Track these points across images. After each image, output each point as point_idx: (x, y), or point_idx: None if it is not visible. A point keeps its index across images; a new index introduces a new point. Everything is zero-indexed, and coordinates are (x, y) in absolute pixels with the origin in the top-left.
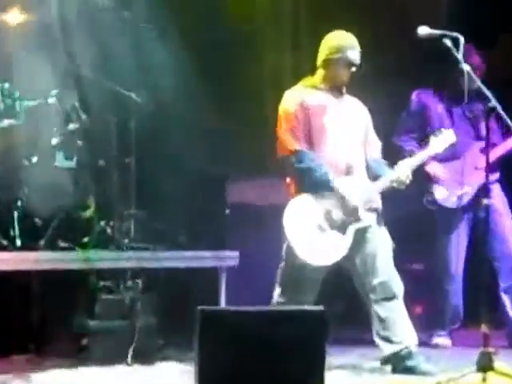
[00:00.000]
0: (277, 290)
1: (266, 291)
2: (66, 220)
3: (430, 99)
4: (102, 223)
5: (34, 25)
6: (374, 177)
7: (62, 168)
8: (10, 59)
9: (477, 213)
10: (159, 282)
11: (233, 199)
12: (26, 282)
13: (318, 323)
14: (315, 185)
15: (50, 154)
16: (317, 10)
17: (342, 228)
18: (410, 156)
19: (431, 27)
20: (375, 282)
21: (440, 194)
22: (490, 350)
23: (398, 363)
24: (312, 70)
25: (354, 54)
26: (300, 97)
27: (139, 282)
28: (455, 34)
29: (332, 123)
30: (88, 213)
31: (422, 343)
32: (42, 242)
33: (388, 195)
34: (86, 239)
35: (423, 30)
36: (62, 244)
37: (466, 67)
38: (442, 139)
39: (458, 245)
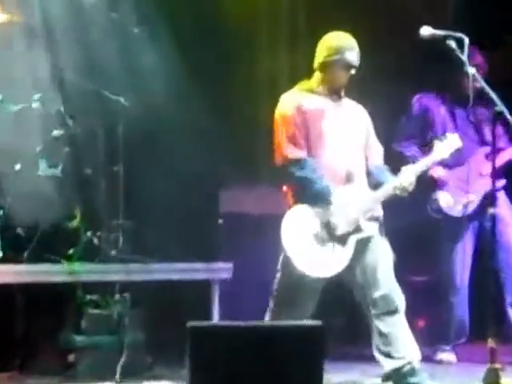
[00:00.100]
0: (272, 304)
1: (261, 305)
2: (51, 231)
3: (432, 102)
4: (89, 234)
5: (16, 26)
6: (376, 184)
7: (45, 176)
8: None
9: (482, 222)
10: (148, 296)
11: (226, 208)
12: (8, 295)
13: (316, 339)
14: (314, 197)
15: (33, 162)
16: (314, 11)
17: (342, 239)
18: (414, 162)
19: (433, 27)
20: (376, 294)
21: (445, 201)
22: (497, 366)
23: (400, 380)
24: (309, 73)
25: (353, 56)
26: (297, 101)
27: (127, 295)
28: (459, 35)
29: (331, 128)
30: (74, 223)
31: (426, 359)
32: (25, 254)
33: (388, 203)
34: (71, 251)
35: (426, 31)
36: (47, 256)
37: (471, 70)
38: (448, 144)
39: (463, 255)
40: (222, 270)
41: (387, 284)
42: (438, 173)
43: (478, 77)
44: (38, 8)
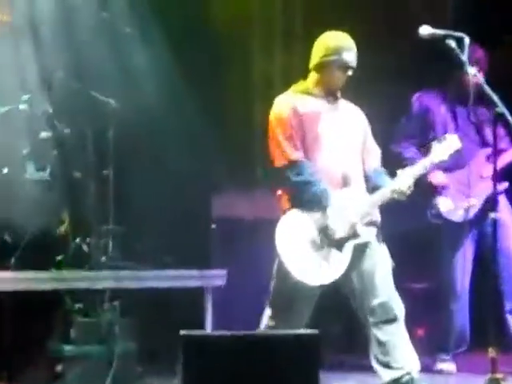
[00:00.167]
0: (267, 312)
1: (256, 313)
2: (39, 236)
3: (433, 101)
4: (78, 240)
5: (4, 26)
6: (374, 187)
7: (33, 180)
8: None
9: (483, 226)
10: (139, 304)
11: (220, 212)
12: None
13: (312, 348)
14: (311, 201)
15: (20, 165)
16: (309, 10)
17: (339, 244)
18: (412, 164)
19: (432, 27)
20: (374, 302)
21: (445, 206)
22: (498, 376)
23: None
24: (304, 74)
25: (351, 56)
26: (292, 103)
27: (117, 303)
28: (459, 34)
29: (327, 131)
30: (62, 229)
31: (425, 369)
32: (12, 261)
33: (387, 208)
34: (60, 257)
35: (425, 30)
36: (34, 262)
37: (471, 70)
38: (447, 146)
39: (463, 260)
40: (216, 276)
41: (386, 291)
42: (438, 179)
43: (479, 77)
44: (27, 8)
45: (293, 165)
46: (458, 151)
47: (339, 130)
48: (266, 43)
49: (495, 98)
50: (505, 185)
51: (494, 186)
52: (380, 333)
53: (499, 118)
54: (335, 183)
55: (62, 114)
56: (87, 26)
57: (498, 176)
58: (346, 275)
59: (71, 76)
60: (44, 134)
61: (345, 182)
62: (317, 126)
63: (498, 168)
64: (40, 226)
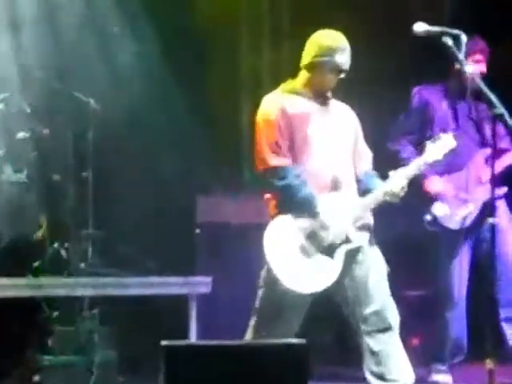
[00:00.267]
0: (254, 321)
1: (242, 322)
2: (15, 241)
3: (433, 96)
4: (56, 245)
5: None
6: (365, 190)
7: (10, 182)
8: None
9: (480, 233)
10: (120, 312)
11: (205, 217)
12: None
13: (300, 358)
14: (297, 205)
15: None
16: (299, 9)
17: (330, 250)
18: (407, 165)
19: (430, 24)
20: (368, 310)
21: (442, 213)
22: None
23: None
24: (293, 72)
25: (343, 59)
26: (280, 103)
27: (97, 311)
28: (456, 32)
29: (317, 133)
30: (39, 233)
31: (420, 380)
32: None
33: (380, 212)
34: (37, 263)
35: (420, 27)
36: (10, 268)
37: (468, 69)
38: (441, 145)
39: (460, 267)
40: (200, 284)
41: (380, 298)
42: (435, 186)
43: (477, 77)
44: (8, 5)
45: (277, 170)
46: (453, 150)
47: (329, 132)
48: (254, 41)
49: (493, 98)
50: (504, 189)
51: (493, 190)
52: (373, 342)
53: (498, 119)
54: (325, 187)
55: (41, 114)
56: (70, 25)
57: (497, 180)
58: (339, 282)
59: (52, 75)
60: (21, 135)
61: (335, 186)
62: (306, 128)
63: (498, 171)
64: (16, 230)
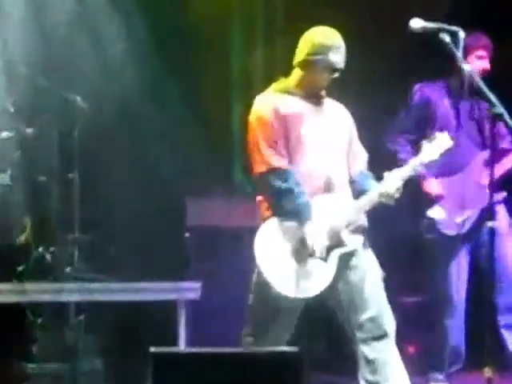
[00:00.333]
0: (246, 328)
1: (233, 328)
2: None
3: (435, 93)
4: (40, 249)
5: None
6: (360, 192)
7: None
8: None
9: (479, 238)
10: (107, 319)
11: (195, 220)
12: None
13: (293, 367)
14: (292, 212)
15: None
16: (292, 7)
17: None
18: (403, 165)
19: (428, 20)
20: (363, 317)
21: (439, 218)
22: None
23: None
24: (286, 71)
25: (338, 57)
26: (273, 103)
27: (83, 318)
28: (454, 28)
29: (310, 133)
30: (23, 237)
31: None
32: None
33: (375, 216)
34: (21, 268)
35: (416, 23)
36: None
37: (466, 67)
38: (437, 145)
39: (459, 271)
40: (190, 289)
41: (375, 304)
42: (433, 188)
43: (476, 75)
44: None
45: (276, 171)
46: (449, 150)
47: (323, 132)
48: (247, 39)
49: (492, 97)
50: (503, 194)
51: (491, 193)
52: (368, 350)
53: (497, 119)
54: (319, 188)
55: (25, 113)
56: (57, 21)
57: (497, 184)
58: (332, 287)
59: (37, 72)
60: (4, 134)
61: (329, 187)
62: (300, 128)
63: (498, 175)
64: None
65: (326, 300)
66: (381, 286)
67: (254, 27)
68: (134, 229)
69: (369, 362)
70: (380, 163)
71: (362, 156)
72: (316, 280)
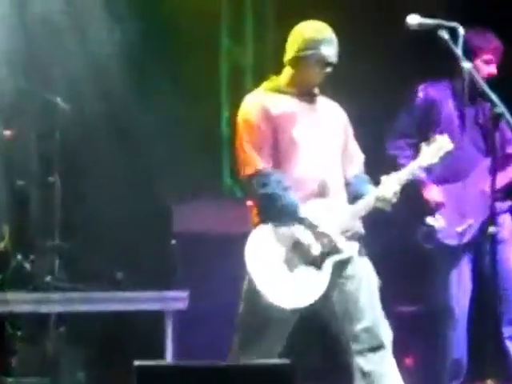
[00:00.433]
0: (236, 339)
1: (222, 340)
2: None
3: (440, 94)
4: (19, 257)
5: None
6: (356, 196)
7: None
8: None
9: (482, 245)
10: (90, 330)
11: (182, 226)
12: None
13: (285, 381)
14: (280, 214)
15: None
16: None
17: (316, 262)
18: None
19: (427, 16)
20: (358, 327)
21: (438, 225)
22: None
23: None
24: (277, 69)
25: (330, 51)
26: (263, 103)
27: (65, 329)
28: (453, 24)
29: (303, 135)
30: (1, 244)
31: None
32: None
33: (370, 221)
34: None
35: (413, 20)
36: None
37: (466, 65)
38: (436, 148)
39: (459, 283)
40: (177, 299)
41: (371, 314)
42: (433, 195)
43: (476, 74)
44: None
45: (258, 175)
46: (449, 153)
47: (317, 133)
48: (237, 37)
49: (494, 97)
50: (508, 203)
51: (492, 199)
52: (364, 361)
53: (498, 118)
54: (312, 192)
55: (3, 114)
56: (38, 20)
57: (502, 193)
58: (326, 296)
59: (17, 73)
60: None
61: (323, 191)
62: (291, 129)
63: (503, 184)
64: None
65: (320, 309)
66: (377, 295)
67: (243, 25)
68: (117, 235)
69: (365, 374)
70: (377, 165)
71: (358, 158)
72: (309, 289)
